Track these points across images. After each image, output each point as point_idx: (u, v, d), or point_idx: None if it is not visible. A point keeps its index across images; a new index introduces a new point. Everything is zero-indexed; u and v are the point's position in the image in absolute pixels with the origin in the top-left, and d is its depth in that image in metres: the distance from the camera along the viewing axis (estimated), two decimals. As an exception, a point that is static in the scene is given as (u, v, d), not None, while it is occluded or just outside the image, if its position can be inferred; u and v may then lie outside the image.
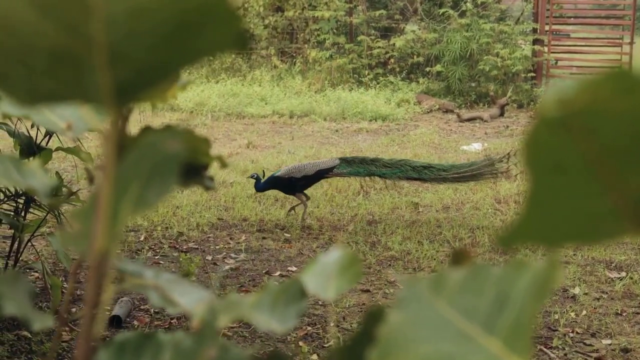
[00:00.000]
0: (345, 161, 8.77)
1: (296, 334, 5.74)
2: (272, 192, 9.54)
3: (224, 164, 1.00)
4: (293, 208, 8.62)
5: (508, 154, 8.97)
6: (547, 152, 0.45)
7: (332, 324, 5.96)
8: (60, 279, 6.49)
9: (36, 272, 6.40)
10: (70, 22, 0.49)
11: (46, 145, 5.75)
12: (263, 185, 8.44)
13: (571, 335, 5.90)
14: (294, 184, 8.49)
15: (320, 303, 6.33)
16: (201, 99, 16.63)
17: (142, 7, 0.50)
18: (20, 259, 6.78)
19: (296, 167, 8.67)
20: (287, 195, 9.00)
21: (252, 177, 8.50)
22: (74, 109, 0.96)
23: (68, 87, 0.53)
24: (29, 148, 5.54)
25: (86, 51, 0.51)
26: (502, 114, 17.12)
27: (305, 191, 8.72)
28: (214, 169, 1.07)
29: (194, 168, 0.98)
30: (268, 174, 8.71)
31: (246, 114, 16.15)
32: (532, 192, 0.47)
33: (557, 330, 5.96)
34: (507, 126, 15.89)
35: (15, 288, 0.79)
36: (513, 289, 0.52)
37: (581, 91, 0.44)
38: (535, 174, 0.46)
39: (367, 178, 8.81)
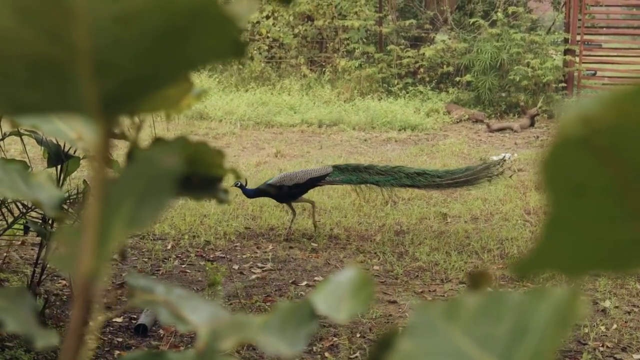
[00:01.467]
0: (338, 169, 8.65)
1: (322, 344, 5.71)
2: (302, 203, 9.52)
3: (238, 177, 0.97)
4: (314, 221, 8.52)
5: (503, 157, 8.90)
6: (568, 174, 0.42)
7: (358, 335, 5.91)
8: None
9: (63, 279, 6.41)
10: (51, 28, 0.46)
11: (74, 153, 5.76)
12: (253, 192, 8.31)
13: (601, 349, 5.81)
14: (285, 192, 8.38)
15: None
16: (230, 107, 16.66)
17: (128, 12, 0.47)
18: (48, 266, 6.81)
19: (288, 175, 8.58)
20: (305, 205, 8.96)
21: (235, 185, 8.36)
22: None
23: (51, 99, 0.50)
24: (57, 156, 5.56)
25: (69, 60, 0.48)
26: (532, 125, 16.99)
27: (316, 198, 8.68)
28: (241, 178, 1.05)
29: (207, 181, 0.95)
30: (260, 183, 8.66)
31: (275, 122, 16.15)
32: (550, 216, 0.43)
33: (586, 344, 5.88)
34: (538, 137, 15.77)
35: (19, 304, 0.76)
36: (533, 319, 0.49)
37: (606, 107, 0.40)
38: (555, 197, 0.42)
39: (363, 186, 8.67)
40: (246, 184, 8.33)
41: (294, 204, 8.56)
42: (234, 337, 0.68)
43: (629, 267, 0.45)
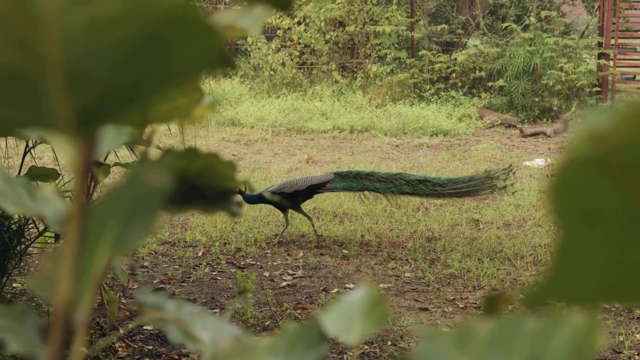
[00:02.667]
0: (339, 176, 8.53)
1: (352, 352, 5.66)
2: (331, 208, 9.48)
3: (251, 189, 0.94)
4: (318, 236, 8.39)
5: (509, 168, 8.66)
6: (580, 197, 0.37)
7: (389, 343, 5.86)
8: (118, 295, 6.50)
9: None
10: (19, 37, 0.43)
11: (104, 160, 5.76)
12: (254, 197, 8.22)
13: (636, 357, 5.72)
14: (285, 199, 8.28)
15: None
16: (262, 113, 16.66)
17: (101, 19, 0.44)
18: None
19: (288, 182, 8.49)
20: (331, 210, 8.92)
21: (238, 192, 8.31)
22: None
23: (23, 114, 0.47)
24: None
25: (40, 71, 0.45)
26: (566, 129, 16.84)
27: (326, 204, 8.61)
28: (254, 190, 1.02)
29: (220, 193, 0.92)
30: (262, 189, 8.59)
31: (306, 129, 16.13)
32: (562, 244, 0.39)
33: (621, 352, 5.79)
34: (571, 141, 15.61)
35: (22, 323, 0.74)
36: (548, 349, 0.45)
37: (621, 121, 0.36)
38: (566, 223, 0.39)
39: (367, 193, 8.57)
40: (246, 190, 8.28)
41: (289, 215, 8.45)
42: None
43: (647, 298, 0.41)
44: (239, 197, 7.89)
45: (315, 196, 8.76)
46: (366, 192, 8.53)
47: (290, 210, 8.45)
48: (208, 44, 0.46)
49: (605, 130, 0.37)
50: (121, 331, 5.82)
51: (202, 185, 0.91)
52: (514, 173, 8.61)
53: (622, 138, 0.36)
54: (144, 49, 0.46)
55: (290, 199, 8.27)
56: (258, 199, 8.19)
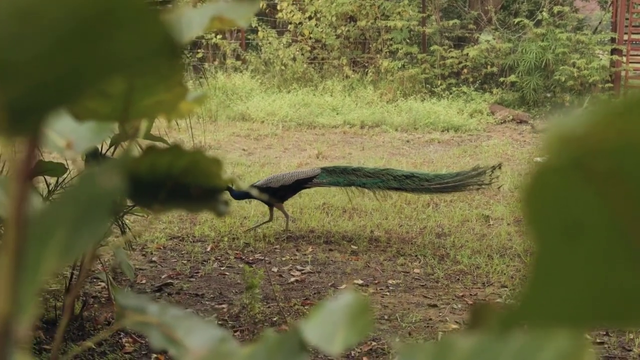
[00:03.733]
0: (326, 171, 8.49)
1: (360, 349, 5.63)
2: (341, 203, 9.44)
3: (237, 186, 0.91)
4: (286, 233, 8.34)
5: (499, 165, 8.70)
6: (558, 207, 0.33)
7: (397, 340, 5.83)
8: (125, 290, 6.49)
9: (102, 282, 6.41)
10: None
11: (112, 154, 5.75)
12: (240, 193, 8.17)
13: (646, 356, 5.67)
14: (272, 194, 8.25)
15: (385, 317, 6.21)
16: (272, 108, 16.63)
17: (28, 2, 0.40)
18: (88, 268, 6.80)
19: (275, 177, 8.45)
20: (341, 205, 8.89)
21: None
22: (75, 125, 0.88)
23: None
24: (94, 157, 5.54)
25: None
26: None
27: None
28: (240, 188, 0.98)
29: (207, 191, 0.89)
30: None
31: (317, 124, 16.09)
32: (538, 260, 0.35)
33: (631, 350, 5.74)
34: (583, 138, 15.54)
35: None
36: (532, 368, 0.42)
37: (605, 121, 0.32)
38: (542, 237, 0.34)
39: (354, 188, 8.53)
40: (232, 185, 8.24)
41: (274, 211, 8.40)
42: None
43: (635, 319, 0.37)
44: (227, 195, 7.87)
45: (324, 191, 8.72)
46: (353, 188, 8.51)
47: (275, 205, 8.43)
48: (151, 32, 0.43)
49: (584, 132, 0.33)
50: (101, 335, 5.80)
51: (189, 183, 0.88)
52: (500, 170, 8.63)
53: (604, 140, 0.32)
54: (76, 36, 0.42)
55: (276, 194, 8.23)
56: (245, 195, 8.16)
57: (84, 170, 0.52)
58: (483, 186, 8.49)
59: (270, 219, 8.37)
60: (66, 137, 0.85)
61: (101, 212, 0.49)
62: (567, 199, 0.34)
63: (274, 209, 8.39)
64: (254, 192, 8.11)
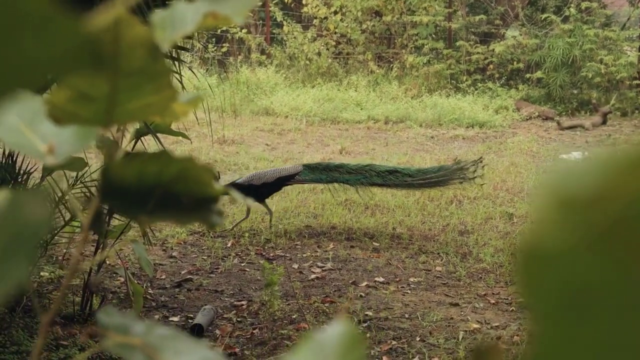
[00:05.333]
0: (308, 168, 8.42)
1: (380, 348, 5.57)
2: (363, 199, 9.36)
3: (233, 200, 0.85)
4: (270, 230, 8.24)
5: (480, 159, 8.66)
6: (561, 277, 0.27)
7: (417, 339, 5.76)
8: (145, 286, 6.46)
9: (121, 277, 6.38)
10: None
11: (132, 149, 5.71)
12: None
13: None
14: (253, 192, 8.19)
15: (406, 316, 6.15)
16: (297, 103, 16.56)
17: None
18: (108, 263, 6.79)
19: (257, 174, 8.37)
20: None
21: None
22: (58, 128, 0.82)
23: None
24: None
25: None
26: (604, 122, 16.59)
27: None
28: (229, 195, 0.92)
29: (199, 201, 0.83)
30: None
31: (341, 119, 16.02)
32: (539, 342, 0.29)
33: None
34: (610, 135, 15.38)
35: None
36: None
37: (616, 177, 0.25)
38: (543, 311, 0.28)
39: (337, 185, 8.46)
40: (219, 177, 8.23)
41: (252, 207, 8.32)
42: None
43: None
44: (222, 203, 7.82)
45: (345, 188, 8.64)
46: (335, 184, 8.45)
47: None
48: (62, 38, 0.37)
49: (591, 194, 0.27)
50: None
51: (179, 192, 0.82)
52: (482, 165, 8.59)
53: (618, 199, 0.26)
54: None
55: (258, 191, 8.16)
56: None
57: (9, 198, 0.46)
58: (465, 181, 8.46)
59: (247, 216, 8.32)
60: (48, 141, 0.80)
61: (25, 249, 0.43)
62: (573, 265, 0.28)
63: (263, 204, 8.33)
64: (233, 192, 8.08)
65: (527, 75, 19.05)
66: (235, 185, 8.14)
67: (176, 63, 5.18)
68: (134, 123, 0.81)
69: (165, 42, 0.79)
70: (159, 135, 5.55)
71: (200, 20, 0.80)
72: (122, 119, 0.78)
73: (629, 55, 18.63)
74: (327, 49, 19.88)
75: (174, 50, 5.16)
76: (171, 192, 0.82)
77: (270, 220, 8.27)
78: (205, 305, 6.11)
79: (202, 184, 0.81)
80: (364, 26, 20.14)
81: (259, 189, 8.18)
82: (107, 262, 6.84)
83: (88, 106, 0.76)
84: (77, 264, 0.92)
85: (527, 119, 16.95)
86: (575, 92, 18.57)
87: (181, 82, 5.29)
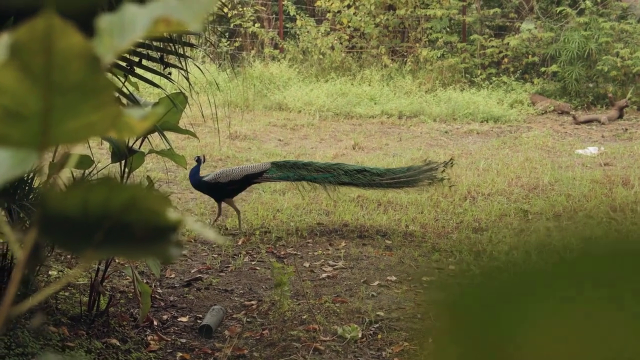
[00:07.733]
0: (276, 165, 8.31)
1: (392, 349, 5.47)
2: (376, 196, 9.25)
3: (187, 231, 0.75)
4: (241, 231, 8.09)
5: (451, 160, 8.58)
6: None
7: (430, 341, 5.64)
8: (153, 286, 6.38)
9: (129, 276, 6.30)
10: None
11: (139, 147, 5.62)
12: (197, 183, 8.06)
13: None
14: (220, 190, 8.04)
15: (418, 316, 6.04)
16: (310, 98, 16.44)
17: None
18: (116, 261, 6.71)
19: (224, 172, 8.22)
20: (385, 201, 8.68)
21: (196, 159, 8.05)
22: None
23: None
24: (121, 151, 5.43)
25: None
26: (620, 117, 16.42)
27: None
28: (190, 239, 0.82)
29: (155, 231, 0.73)
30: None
31: (354, 114, 15.91)
32: None
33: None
34: (626, 129, 15.22)
35: None
36: None
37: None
38: None
39: (305, 183, 8.34)
40: (204, 160, 8.19)
41: (223, 205, 8.21)
42: None
43: None
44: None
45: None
46: (304, 183, 8.34)
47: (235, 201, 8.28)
48: None
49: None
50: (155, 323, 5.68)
51: (131, 222, 0.72)
52: (452, 165, 8.54)
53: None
54: None
55: (225, 189, 8.05)
56: (205, 185, 8.05)
57: None
58: (435, 181, 8.36)
59: (219, 215, 8.20)
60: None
61: None
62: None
63: (221, 203, 8.20)
64: (206, 186, 8.00)
65: (542, 69, 18.88)
66: (202, 182, 8.06)
67: (181, 60, 5.08)
68: (74, 145, 0.71)
69: (111, 51, 0.69)
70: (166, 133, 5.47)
71: (151, 26, 0.70)
72: (60, 140, 0.68)
73: (646, 48, 18.43)
74: (341, 43, 19.75)
75: (179, 46, 5.06)
76: (121, 223, 0.71)
77: (239, 221, 8.12)
78: (215, 305, 6.02)
79: (155, 213, 0.71)
80: (378, 20, 19.99)
81: (226, 187, 8.07)
82: (116, 260, 6.76)
83: (19, 126, 0.66)
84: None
85: (542, 113, 16.79)
86: (591, 85, 18.39)
87: (187, 80, 5.18)
